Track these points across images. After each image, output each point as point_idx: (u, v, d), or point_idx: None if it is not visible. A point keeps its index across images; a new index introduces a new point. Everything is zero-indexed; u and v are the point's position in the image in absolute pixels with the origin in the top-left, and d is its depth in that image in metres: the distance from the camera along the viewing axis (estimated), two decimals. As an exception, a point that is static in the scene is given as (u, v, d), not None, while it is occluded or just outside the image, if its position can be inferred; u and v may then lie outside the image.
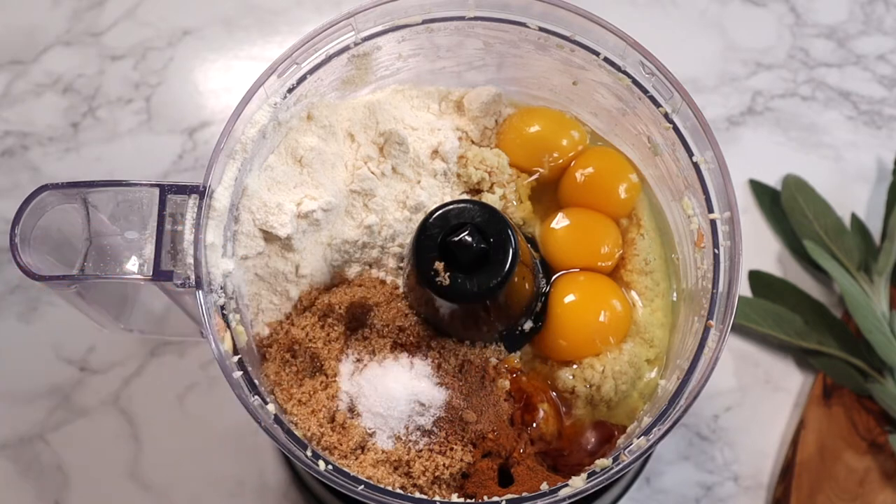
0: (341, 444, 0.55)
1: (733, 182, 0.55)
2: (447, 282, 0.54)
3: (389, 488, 0.53)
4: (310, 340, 0.57)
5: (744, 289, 0.80)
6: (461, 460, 0.55)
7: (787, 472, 0.75)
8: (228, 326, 0.55)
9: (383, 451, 0.55)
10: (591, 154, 0.63)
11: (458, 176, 0.62)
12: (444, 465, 0.55)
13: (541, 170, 0.62)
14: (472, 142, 0.63)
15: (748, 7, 0.89)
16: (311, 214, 0.57)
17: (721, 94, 0.86)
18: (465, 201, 0.57)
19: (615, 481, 0.58)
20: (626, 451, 0.52)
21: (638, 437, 0.52)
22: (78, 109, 0.85)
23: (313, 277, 0.59)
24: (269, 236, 0.57)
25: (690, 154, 0.57)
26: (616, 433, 0.58)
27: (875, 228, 0.80)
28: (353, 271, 0.60)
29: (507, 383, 0.58)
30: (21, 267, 0.54)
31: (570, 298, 0.59)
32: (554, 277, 0.60)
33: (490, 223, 0.55)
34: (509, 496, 0.53)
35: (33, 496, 0.76)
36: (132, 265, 0.54)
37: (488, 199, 0.61)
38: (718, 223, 0.55)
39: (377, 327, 0.58)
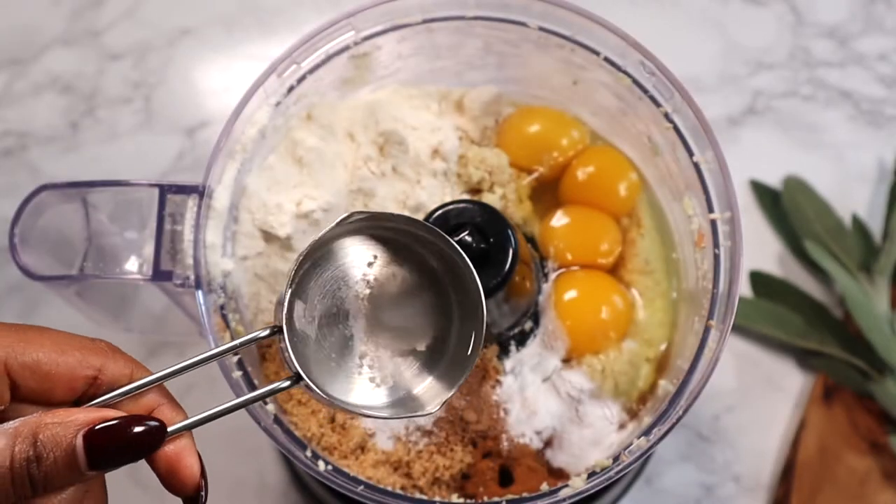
0: (341, 445, 0.55)
1: (734, 182, 0.55)
2: (447, 282, 0.53)
3: (389, 489, 0.53)
4: (309, 341, 0.57)
5: (744, 289, 0.80)
6: (461, 461, 0.55)
7: (787, 473, 0.75)
8: (228, 326, 0.54)
9: (383, 452, 0.55)
10: (591, 153, 0.63)
11: (458, 176, 0.62)
12: (444, 465, 0.55)
13: (541, 169, 0.62)
14: (472, 141, 0.63)
15: (749, 7, 0.89)
16: (310, 214, 0.57)
17: (721, 94, 0.86)
18: (465, 201, 0.56)
19: (615, 482, 0.58)
20: (626, 452, 0.52)
21: (638, 438, 0.52)
22: (77, 109, 0.85)
23: (313, 277, 0.59)
24: (268, 236, 0.57)
25: (691, 154, 0.56)
26: None
27: (875, 228, 0.80)
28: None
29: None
30: (21, 267, 0.54)
31: (570, 295, 0.59)
32: (554, 275, 0.60)
33: (490, 223, 0.55)
34: (509, 496, 0.53)
35: (33, 496, 0.75)
36: (132, 265, 0.54)
37: (488, 199, 0.61)
38: (719, 223, 0.55)
39: (377, 327, 0.57)
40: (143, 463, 0.77)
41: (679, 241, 0.61)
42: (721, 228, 0.55)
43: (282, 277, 0.58)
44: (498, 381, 0.58)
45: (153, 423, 0.39)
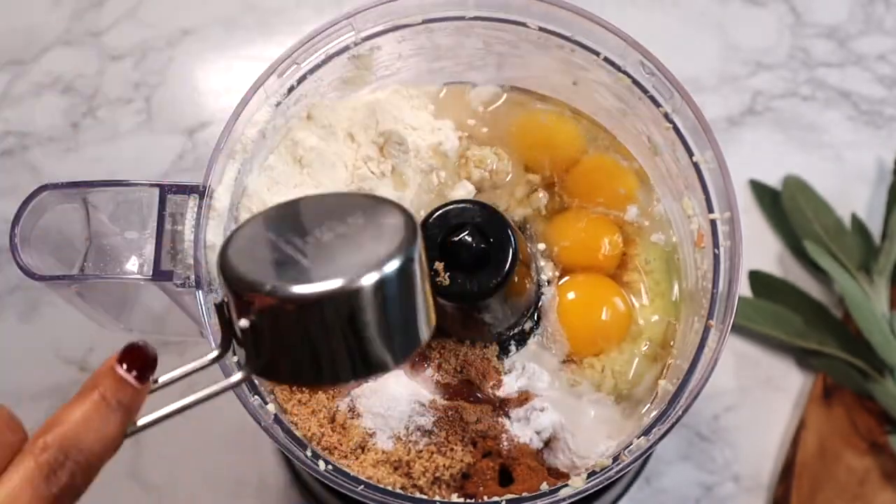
0: (341, 445, 0.55)
1: (733, 182, 0.55)
2: (447, 282, 0.54)
3: (389, 488, 0.53)
4: (310, 340, 0.57)
5: (744, 289, 0.80)
6: (461, 460, 0.55)
7: (787, 473, 0.75)
8: (228, 326, 0.54)
9: (383, 452, 0.55)
10: (592, 156, 0.63)
11: (458, 176, 0.62)
12: (444, 465, 0.55)
13: (541, 170, 0.62)
14: (473, 141, 0.63)
15: (748, 7, 0.89)
16: (310, 214, 0.57)
17: (721, 94, 0.86)
18: (465, 201, 0.57)
19: (615, 481, 0.58)
20: (626, 451, 0.52)
21: (638, 437, 0.52)
22: (78, 109, 0.85)
23: (313, 277, 0.59)
24: (269, 236, 0.57)
25: (690, 154, 0.57)
26: None
27: (875, 228, 0.80)
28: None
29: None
30: (21, 267, 0.54)
31: (571, 298, 0.59)
32: (555, 280, 0.60)
33: (490, 223, 0.55)
34: (509, 496, 0.53)
35: (33, 496, 0.75)
36: (132, 265, 0.54)
37: (488, 198, 0.61)
38: (718, 223, 0.55)
39: (377, 327, 0.58)
40: (144, 462, 0.77)
41: (679, 241, 0.61)
42: (721, 228, 0.55)
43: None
44: (498, 381, 0.58)
45: None
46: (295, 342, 0.40)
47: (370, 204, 0.44)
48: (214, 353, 0.43)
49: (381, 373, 0.42)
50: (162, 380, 0.43)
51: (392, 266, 0.39)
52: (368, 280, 0.39)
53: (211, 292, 0.54)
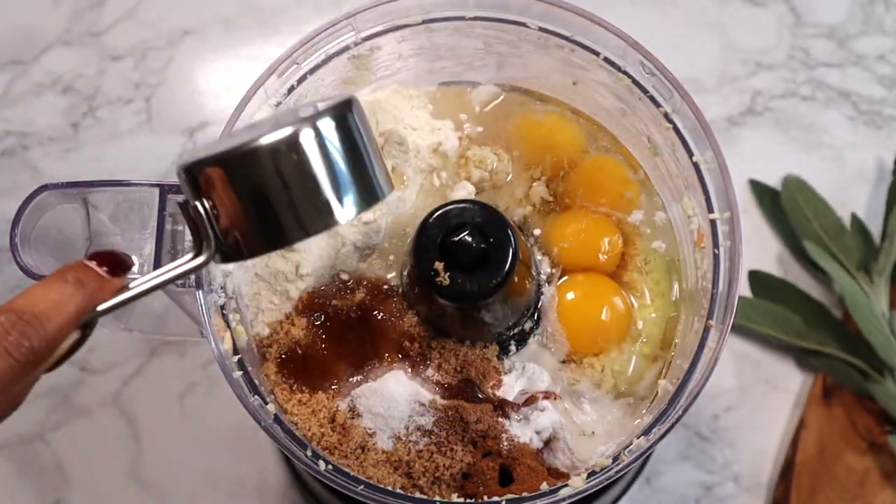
0: (341, 445, 0.55)
1: (733, 182, 0.55)
2: (447, 282, 0.54)
3: (390, 488, 0.53)
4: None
5: (744, 289, 0.80)
6: (461, 460, 0.55)
7: (787, 472, 0.75)
8: (228, 326, 0.55)
9: (383, 452, 0.55)
10: (593, 159, 0.63)
11: (458, 176, 0.62)
12: (444, 465, 0.55)
13: (541, 170, 0.62)
14: (472, 141, 0.63)
15: (748, 7, 0.89)
16: (310, 214, 0.57)
17: (721, 94, 0.86)
18: (465, 201, 0.57)
19: (615, 481, 0.58)
20: (625, 451, 0.52)
21: (638, 437, 0.52)
22: (78, 109, 0.85)
23: (314, 277, 0.59)
24: (269, 236, 0.57)
25: (690, 154, 0.57)
26: None
27: (875, 228, 0.80)
28: (353, 271, 0.60)
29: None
30: (21, 267, 0.54)
31: (571, 298, 0.59)
32: (556, 280, 0.60)
33: (490, 223, 0.55)
34: (509, 496, 0.53)
35: (33, 496, 0.76)
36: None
37: (488, 198, 0.61)
38: (718, 223, 0.55)
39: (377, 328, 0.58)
40: (144, 462, 0.77)
41: (679, 242, 0.61)
42: (720, 228, 0.55)
43: (282, 277, 0.58)
44: (498, 381, 0.58)
45: None
46: (245, 204, 0.44)
47: (327, 100, 0.47)
48: (190, 255, 0.45)
49: (331, 224, 0.44)
50: (134, 284, 0.45)
51: (320, 122, 0.44)
52: (291, 132, 0.43)
53: (211, 292, 0.54)
